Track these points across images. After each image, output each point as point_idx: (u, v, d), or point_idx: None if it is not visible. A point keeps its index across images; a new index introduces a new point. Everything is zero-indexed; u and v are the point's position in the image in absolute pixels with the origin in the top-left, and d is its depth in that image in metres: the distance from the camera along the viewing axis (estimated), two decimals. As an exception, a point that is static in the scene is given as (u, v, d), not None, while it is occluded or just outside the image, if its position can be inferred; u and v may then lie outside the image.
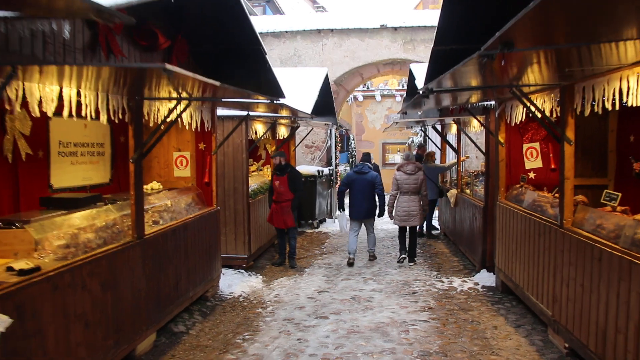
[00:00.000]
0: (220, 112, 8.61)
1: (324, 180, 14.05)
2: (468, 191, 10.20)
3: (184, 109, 5.44)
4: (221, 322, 6.57)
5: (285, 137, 11.96)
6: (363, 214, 9.53)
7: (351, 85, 16.82)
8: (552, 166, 7.69)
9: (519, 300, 6.87)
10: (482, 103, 8.20)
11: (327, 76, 11.48)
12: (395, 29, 15.53)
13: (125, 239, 5.27)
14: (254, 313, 6.89)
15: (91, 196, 5.67)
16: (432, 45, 6.59)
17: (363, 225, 9.79)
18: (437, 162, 13.07)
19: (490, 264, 8.43)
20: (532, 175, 7.66)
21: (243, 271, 9.03)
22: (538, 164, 7.71)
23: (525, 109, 6.54)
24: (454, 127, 11.80)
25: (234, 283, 8.23)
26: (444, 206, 12.24)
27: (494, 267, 8.25)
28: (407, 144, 23.71)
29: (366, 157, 10.27)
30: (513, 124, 7.19)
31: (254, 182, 10.43)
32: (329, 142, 15.79)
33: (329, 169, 14.71)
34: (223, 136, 9.01)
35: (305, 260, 10.10)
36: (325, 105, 11.93)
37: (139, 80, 4.47)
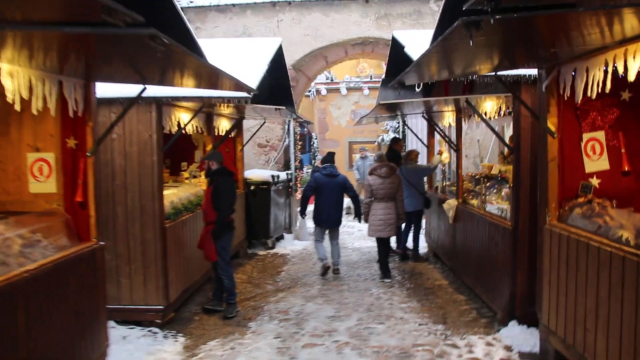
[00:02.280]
0: (116, 90, 5.61)
1: (280, 187, 11.13)
2: (474, 202, 7.44)
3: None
4: None
5: (226, 131, 9.01)
6: (333, 222, 8.53)
7: (313, 71, 13.91)
8: (625, 168, 4.97)
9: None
10: (505, 73, 5.46)
11: (280, 48, 8.54)
12: (367, 1, 12.68)
13: None
14: None
15: None
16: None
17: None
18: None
19: (523, 313, 5.68)
20: (595, 182, 4.91)
21: (157, 330, 6.05)
22: (603, 164, 4.95)
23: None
24: (448, 117, 9.05)
25: (135, 357, 5.26)
26: (435, 219, 9.48)
27: (527, 318, 5.56)
28: (376, 143, 20.96)
29: (331, 157, 8.84)
30: (579, 101, 4.41)
31: (181, 194, 7.47)
32: (287, 140, 12.86)
33: (287, 174, 11.78)
34: (123, 127, 6.08)
35: (252, 303, 7.16)
36: (279, 90, 9.03)
37: None
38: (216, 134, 9.01)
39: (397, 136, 14.02)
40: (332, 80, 22.74)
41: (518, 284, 5.71)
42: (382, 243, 8.38)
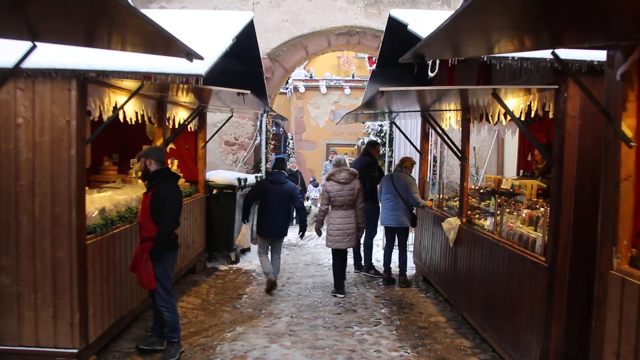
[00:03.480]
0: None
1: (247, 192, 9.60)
2: (484, 223, 6.04)
3: None
4: None
5: (180, 123, 7.47)
6: (276, 233, 7.76)
7: (291, 62, 12.36)
8: None
9: None
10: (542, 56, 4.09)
11: (252, 25, 7.02)
12: (355, -15, 11.31)
13: None
14: None
15: None
16: None
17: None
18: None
19: (557, 378, 4.29)
20: (676, 211, 3.51)
21: (67, 382, 4.50)
22: (688, 187, 3.58)
23: None
24: (448, 118, 7.63)
25: None
26: (428, 238, 8.07)
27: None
28: (356, 146, 19.51)
29: (280, 163, 8.23)
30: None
31: (119, 198, 5.90)
32: (259, 138, 11.34)
33: (256, 176, 10.25)
34: (32, 109, 4.54)
35: (203, 340, 5.63)
36: (249, 76, 7.53)
37: None
38: (172, 127, 7.50)
39: (376, 139, 12.63)
40: (311, 77, 21.31)
41: (552, 339, 4.29)
42: (339, 255, 7.66)
